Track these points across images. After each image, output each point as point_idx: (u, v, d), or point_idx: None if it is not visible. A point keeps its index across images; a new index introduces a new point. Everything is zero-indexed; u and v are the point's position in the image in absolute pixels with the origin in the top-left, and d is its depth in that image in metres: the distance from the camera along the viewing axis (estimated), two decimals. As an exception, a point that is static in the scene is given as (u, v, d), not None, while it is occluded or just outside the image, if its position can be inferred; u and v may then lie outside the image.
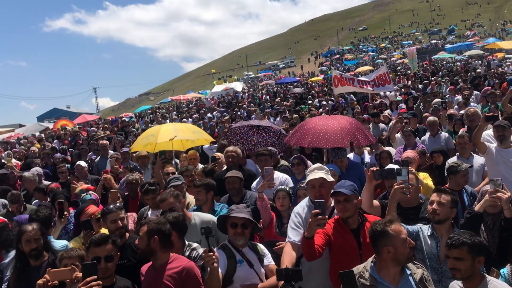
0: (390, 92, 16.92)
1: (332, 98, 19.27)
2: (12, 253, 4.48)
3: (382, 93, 17.42)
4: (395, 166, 4.51)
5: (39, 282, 3.50)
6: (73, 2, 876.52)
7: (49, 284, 3.51)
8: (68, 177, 8.72)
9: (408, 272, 3.22)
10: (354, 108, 16.58)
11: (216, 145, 9.87)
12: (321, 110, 17.12)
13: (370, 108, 15.08)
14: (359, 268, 3.32)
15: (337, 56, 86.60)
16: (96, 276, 3.19)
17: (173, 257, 3.79)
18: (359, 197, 4.06)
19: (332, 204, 4.15)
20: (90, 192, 5.93)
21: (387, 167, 4.97)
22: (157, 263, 3.75)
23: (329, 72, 15.99)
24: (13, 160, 12.78)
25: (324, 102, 18.85)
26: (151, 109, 36.50)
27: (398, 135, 9.11)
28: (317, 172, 4.32)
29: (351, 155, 8.07)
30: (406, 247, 3.18)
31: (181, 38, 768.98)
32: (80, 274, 3.32)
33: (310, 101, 20.77)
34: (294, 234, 4.15)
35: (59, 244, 4.92)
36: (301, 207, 4.41)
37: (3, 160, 11.86)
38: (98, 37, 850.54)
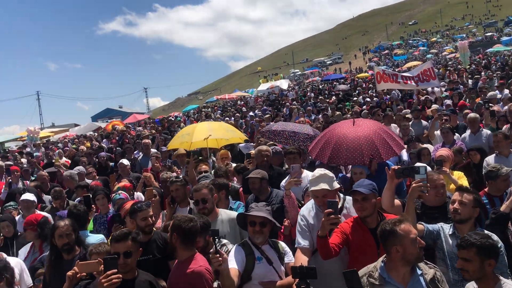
0: (437, 88, 16.38)
1: (376, 94, 18.89)
2: None
3: (429, 89, 16.88)
4: (421, 164, 4.39)
5: (68, 274, 3.72)
6: (124, 4, 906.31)
7: (77, 276, 3.72)
8: (97, 178, 9.10)
9: (419, 272, 3.15)
10: (399, 105, 16.18)
11: (252, 143, 9.95)
12: (364, 107, 16.82)
13: (414, 105, 14.64)
14: (369, 268, 3.29)
15: (386, 51, 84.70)
16: (116, 270, 3.33)
17: (195, 257, 3.80)
18: (378, 197, 3.99)
19: (340, 205, 4.10)
20: (120, 192, 6.15)
21: (417, 165, 4.83)
22: (179, 260, 3.84)
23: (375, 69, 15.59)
24: (64, 159, 13.46)
25: (368, 99, 18.50)
26: (197, 109, 37.16)
27: (437, 132, 8.82)
28: (319, 184, 4.24)
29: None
30: (416, 247, 3.11)
31: (228, 37, 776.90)
32: None
33: (355, 98, 20.44)
34: (302, 239, 4.16)
35: (96, 238, 5.18)
36: (307, 209, 4.40)
37: (53, 160, 12.46)
38: (148, 39, 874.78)
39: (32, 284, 4.59)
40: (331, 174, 4.39)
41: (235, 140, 9.60)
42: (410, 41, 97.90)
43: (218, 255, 3.55)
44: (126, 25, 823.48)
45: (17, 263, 4.49)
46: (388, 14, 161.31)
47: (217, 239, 3.74)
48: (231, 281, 3.73)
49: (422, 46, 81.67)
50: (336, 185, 4.32)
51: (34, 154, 16.36)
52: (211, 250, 3.71)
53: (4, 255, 4.49)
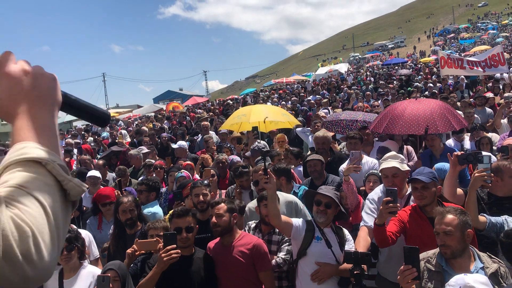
0: (506, 74, 15.43)
1: (440, 80, 18.11)
2: None
3: (498, 75, 15.94)
4: (485, 153, 4.19)
5: (128, 252, 3.93)
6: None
7: (136, 253, 3.92)
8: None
9: (480, 265, 3.03)
10: (463, 91, 15.43)
11: (308, 128, 9.89)
12: (426, 93, 16.18)
13: (479, 92, 13.92)
14: (428, 253, 3.23)
15: (452, 35, 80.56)
16: (175, 245, 3.48)
17: (241, 235, 4.03)
18: (439, 185, 3.87)
19: (408, 192, 4.01)
20: (182, 170, 6.36)
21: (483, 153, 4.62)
22: (228, 240, 3.97)
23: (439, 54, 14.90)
24: (128, 139, 14.04)
25: (431, 84, 17.77)
26: (254, 92, 37.29)
27: (504, 120, 8.37)
28: (390, 161, 4.21)
29: (450, 142, 7.61)
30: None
31: (286, 20, 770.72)
32: None
33: (416, 84, 19.70)
34: (369, 219, 4.11)
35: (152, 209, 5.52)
36: (376, 193, 4.36)
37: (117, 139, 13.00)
38: (208, 23, 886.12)
39: (99, 256, 4.88)
40: (402, 156, 4.38)
41: (286, 125, 9.59)
42: (479, 24, 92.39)
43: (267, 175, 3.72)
44: (185, 9, 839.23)
45: (85, 235, 4.78)
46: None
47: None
48: (276, 207, 3.85)
49: (492, 30, 76.82)
50: (406, 167, 4.26)
51: (102, 134, 17.16)
52: (260, 172, 3.86)
53: (74, 226, 4.78)
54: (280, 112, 9.48)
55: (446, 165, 5.10)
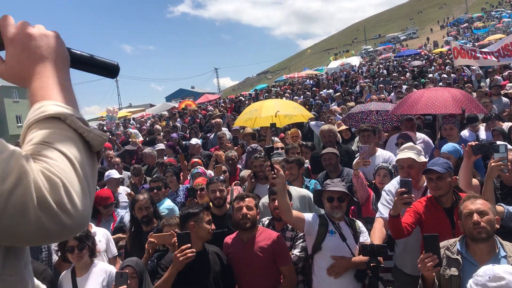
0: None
1: (454, 70, 17.88)
2: None
3: (512, 65, 15.66)
4: (501, 142, 4.14)
5: (147, 247, 3.98)
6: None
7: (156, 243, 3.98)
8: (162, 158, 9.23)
9: (503, 253, 2.98)
10: (480, 81, 15.21)
11: (322, 122, 9.86)
12: (441, 84, 16.00)
13: (494, 81, 13.71)
14: (449, 241, 3.20)
15: (466, 24, 79.32)
16: (190, 244, 3.50)
17: (260, 230, 4.05)
18: (454, 176, 3.83)
19: (425, 184, 3.99)
20: (198, 166, 6.41)
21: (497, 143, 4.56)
22: (248, 235, 3.98)
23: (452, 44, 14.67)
24: (141, 138, 14.14)
25: (445, 75, 17.55)
26: (266, 88, 37.23)
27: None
28: (406, 151, 4.20)
29: (465, 132, 7.52)
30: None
31: (296, 15, 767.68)
32: None
33: (430, 75, 19.48)
34: (385, 211, 4.09)
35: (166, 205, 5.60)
36: (392, 185, 4.33)
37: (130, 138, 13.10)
38: (217, 20, 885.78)
39: (117, 254, 4.94)
40: (419, 147, 4.36)
41: (299, 119, 9.56)
42: (493, 13, 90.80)
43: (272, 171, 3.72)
44: (194, 7, 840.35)
45: (104, 233, 4.84)
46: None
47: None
48: (286, 202, 3.85)
49: (506, 18, 75.44)
50: (423, 158, 4.24)
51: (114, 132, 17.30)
52: (267, 168, 3.88)
53: (93, 225, 4.84)
54: (291, 105, 9.46)
55: (455, 145, 5.12)
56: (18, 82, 1.02)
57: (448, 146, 5.13)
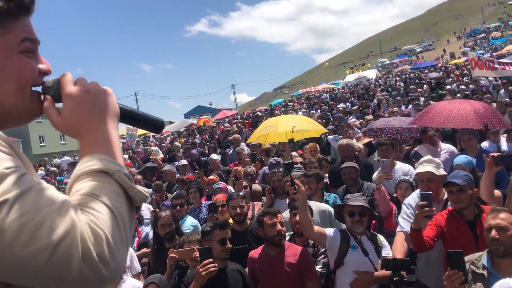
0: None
1: (472, 81, 17.68)
2: None
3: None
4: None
5: (169, 263, 4.02)
6: (207, 6, 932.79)
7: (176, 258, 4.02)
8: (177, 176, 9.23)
9: None
10: (499, 92, 15.01)
11: (340, 136, 9.85)
12: (459, 95, 15.85)
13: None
14: (474, 255, 3.17)
15: (483, 35, 78.57)
16: (212, 259, 3.52)
17: (286, 245, 4.05)
18: (475, 188, 3.80)
19: (445, 196, 3.96)
20: (219, 182, 6.47)
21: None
22: (276, 250, 3.98)
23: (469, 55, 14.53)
24: (161, 155, 14.29)
25: (463, 86, 17.37)
26: (283, 102, 37.35)
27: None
28: (425, 165, 4.18)
29: (485, 143, 7.42)
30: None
31: (311, 30, 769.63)
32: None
33: (448, 86, 19.31)
34: (406, 225, 4.06)
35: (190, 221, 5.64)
36: (412, 198, 4.30)
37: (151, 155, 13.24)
38: (233, 37, 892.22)
39: (140, 270, 4.99)
40: (438, 160, 4.34)
41: (311, 134, 9.59)
42: (511, 22, 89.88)
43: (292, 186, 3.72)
44: (210, 26, 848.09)
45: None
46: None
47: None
48: (307, 217, 3.84)
49: (525, 27, 74.58)
50: (442, 171, 4.21)
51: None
52: (287, 183, 3.87)
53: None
54: (307, 121, 9.54)
55: (467, 156, 5.12)
56: (71, 134, 1.09)
57: (461, 158, 5.13)
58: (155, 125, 1.24)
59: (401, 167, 6.01)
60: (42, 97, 1.11)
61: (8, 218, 0.82)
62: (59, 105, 1.11)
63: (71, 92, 1.07)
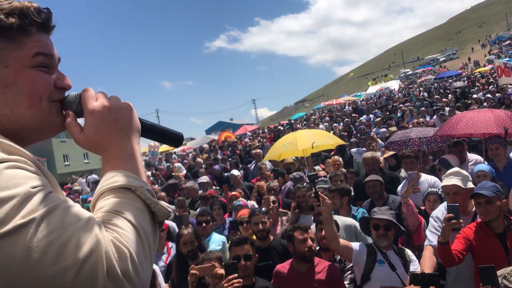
0: None
1: (498, 90, 17.29)
2: None
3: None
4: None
5: (190, 280, 3.97)
6: (225, 22, 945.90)
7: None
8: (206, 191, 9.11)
9: None
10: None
11: (364, 148, 9.71)
12: (485, 104, 15.50)
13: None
14: (507, 269, 3.02)
15: (508, 42, 77.10)
16: (237, 274, 3.47)
17: (316, 261, 3.98)
18: (504, 199, 3.65)
19: (474, 209, 3.82)
20: (240, 198, 6.40)
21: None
22: (306, 266, 3.92)
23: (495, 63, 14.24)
24: (184, 171, 14.36)
25: (489, 95, 17.00)
26: (304, 116, 37.26)
27: None
28: (451, 178, 4.06)
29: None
30: None
31: (331, 42, 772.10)
32: (220, 270, 3.67)
33: (474, 95, 18.93)
34: (434, 238, 3.93)
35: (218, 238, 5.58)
36: (440, 211, 4.18)
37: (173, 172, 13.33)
38: (252, 52, 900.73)
39: (165, 288, 4.95)
40: (465, 173, 4.21)
41: (324, 147, 9.52)
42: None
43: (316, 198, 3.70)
44: (230, 42, 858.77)
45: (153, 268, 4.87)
46: (508, 1, 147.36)
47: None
48: (333, 230, 3.77)
49: (551, 32, 72.93)
50: (470, 184, 4.08)
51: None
52: (312, 195, 3.84)
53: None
54: (325, 135, 9.44)
55: (487, 165, 5.03)
56: (93, 150, 1.10)
57: (483, 165, 5.06)
58: (175, 138, 1.25)
59: (427, 179, 5.86)
60: (64, 112, 1.13)
61: (36, 237, 0.82)
62: (80, 120, 1.12)
63: (93, 109, 1.07)
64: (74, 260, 0.83)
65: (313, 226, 4.82)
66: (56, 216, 0.86)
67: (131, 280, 0.88)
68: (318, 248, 4.40)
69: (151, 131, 1.21)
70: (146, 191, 1.00)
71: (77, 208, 0.92)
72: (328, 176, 7.03)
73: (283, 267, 4.06)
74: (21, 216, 0.82)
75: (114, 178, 1.00)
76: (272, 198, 6.28)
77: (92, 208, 1.02)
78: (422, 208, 5.21)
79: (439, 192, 4.94)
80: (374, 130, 14.69)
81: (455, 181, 4.02)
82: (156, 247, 1.02)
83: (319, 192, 3.82)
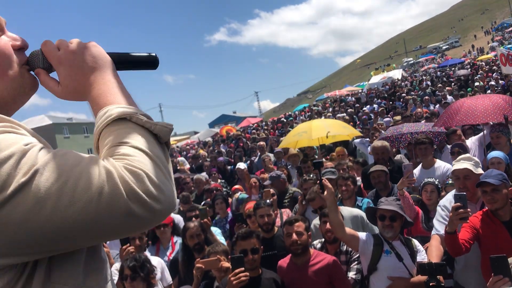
0: None
1: (502, 77, 17.20)
2: None
3: None
4: None
5: (195, 273, 3.99)
6: (225, 14, 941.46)
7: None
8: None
9: None
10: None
11: (367, 139, 9.69)
12: (489, 91, 15.42)
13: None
14: None
15: (511, 28, 76.41)
16: (243, 268, 3.48)
17: (314, 253, 3.97)
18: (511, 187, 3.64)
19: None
20: (243, 192, 6.42)
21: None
22: (303, 260, 3.91)
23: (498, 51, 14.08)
24: (187, 166, 14.38)
25: (493, 83, 16.90)
26: (308, 107, 37.15)
27: None
28: (463, 162, 4.04)
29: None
30: None
31: (333, 33, 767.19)
32: (226, 264, 3.68)
33: (477, 83, 18.82)
34: (441, 227, 3.92)
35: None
36: (447, 200, 4.15)
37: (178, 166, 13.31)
38: (253, 45, 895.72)
39: (171, 282, 4.97)
40: (476, 159, 4.21)
41: (341, 138, 9.47)
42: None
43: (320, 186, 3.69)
44: (230, 35, 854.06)
45: (158, 262, 4.87)
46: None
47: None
48: (338, 218, 3.75)
49: (555, 18, 72.16)
50: (480, 170, 4.06)
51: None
52: (317, 184, 3.82)
53: (148, 254, 4.88)
54: (340, 125, 9.37)
55: (501, 152, 4.97)
56: (76, 98, 1.10)
57: (497, 152, 5.02)
58: (150, 60, 1.21)
59: (440, 166, 5.80)
60: (33, 72, 1.12)
61: (45, 185, 0.83)
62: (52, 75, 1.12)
63: (60, 58, 1.07)
64: (90, 196, 0.84)
65: (316, 220, 4.83)
66: (57, 162, 0.87)
67: (155, 197, 0.89)
68: (323, 240, 4.39)
69: (123, 61, 1.18)
70: (141, 116, 1.01)
71: (74, 152, 0.93)
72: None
73: (284, 261, 4.06)
74: (23, 173, 0.83)
75: (106, 114, 1.00)
76: (272, 190, 6.31)
77: (95, 150, 1.04)
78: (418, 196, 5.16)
79: (436, 183, 4.93)
80: (380, 120, 14.62)
81: (466, 165, 4.01)
82: (170, 165, 1.02)
83: (323, 179, 3.81)
